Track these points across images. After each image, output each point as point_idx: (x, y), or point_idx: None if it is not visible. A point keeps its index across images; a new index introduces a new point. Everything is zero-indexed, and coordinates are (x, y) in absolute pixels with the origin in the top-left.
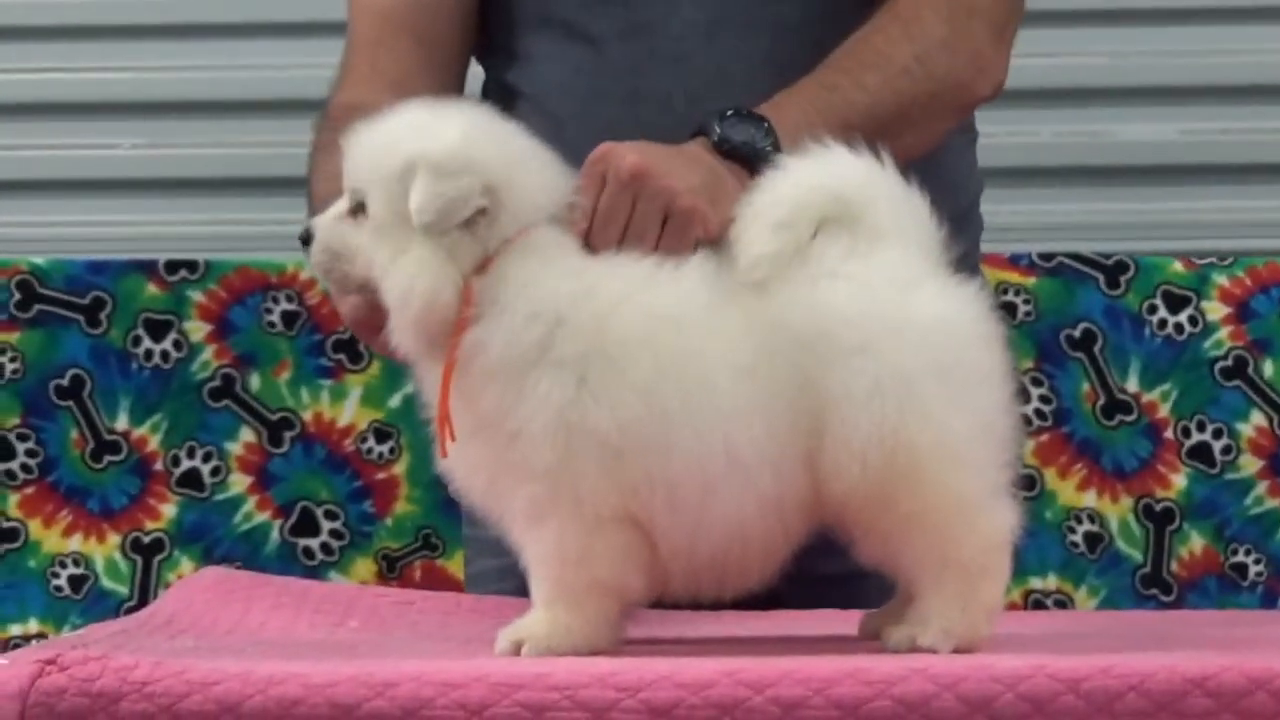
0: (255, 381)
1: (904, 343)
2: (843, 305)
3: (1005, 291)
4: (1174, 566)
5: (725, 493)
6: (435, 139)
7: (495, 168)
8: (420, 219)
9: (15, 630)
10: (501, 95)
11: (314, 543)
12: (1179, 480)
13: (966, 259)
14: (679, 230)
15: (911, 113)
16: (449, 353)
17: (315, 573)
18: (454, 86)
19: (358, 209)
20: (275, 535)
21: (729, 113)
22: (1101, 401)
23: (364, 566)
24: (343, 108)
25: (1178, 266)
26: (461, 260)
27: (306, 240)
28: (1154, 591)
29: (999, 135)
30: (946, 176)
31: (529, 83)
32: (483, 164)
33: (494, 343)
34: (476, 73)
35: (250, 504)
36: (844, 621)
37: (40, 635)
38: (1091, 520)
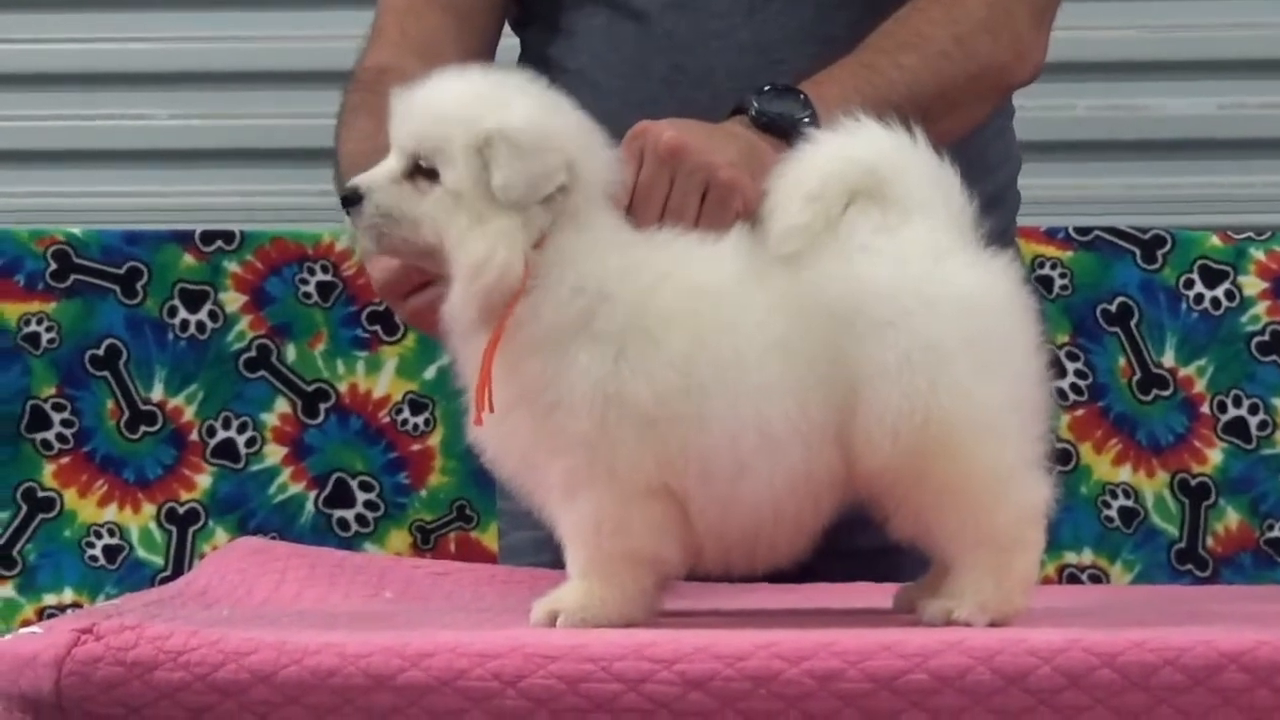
0: (291, 352)
1: (934, 316)
2: (873, 279)
3: (1041, 265)
4: (1209, 542)
5: (757, 467)
6: (512, 112)
7: (572, 143)
8: (507, 195)
9: (50, 600)
10: (540, 68)
11: (349, 514)
12: (1215, 455)
13: (1003, 235)
14: (719, 204)
15: (950, 94)
16: (499, 324)
17: (350, 544)
18: (484, 56)
19: (417, 173)
20: (310, 506)
21: (766, 88)
22: (1137, 376)
23: (398, 538)
24: (372, 70)
25: (1215, 241)
26: (531, 234)
27: (354, 199)
28: (1189, 567)
29: (1035, 109)
30: (984, 155)
31: (571, 57)
32: (562, 140)
33: (541, 315)
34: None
35: (285, 475)
36: (879, 595)
37: (75, 605)
38: (1127, 495)
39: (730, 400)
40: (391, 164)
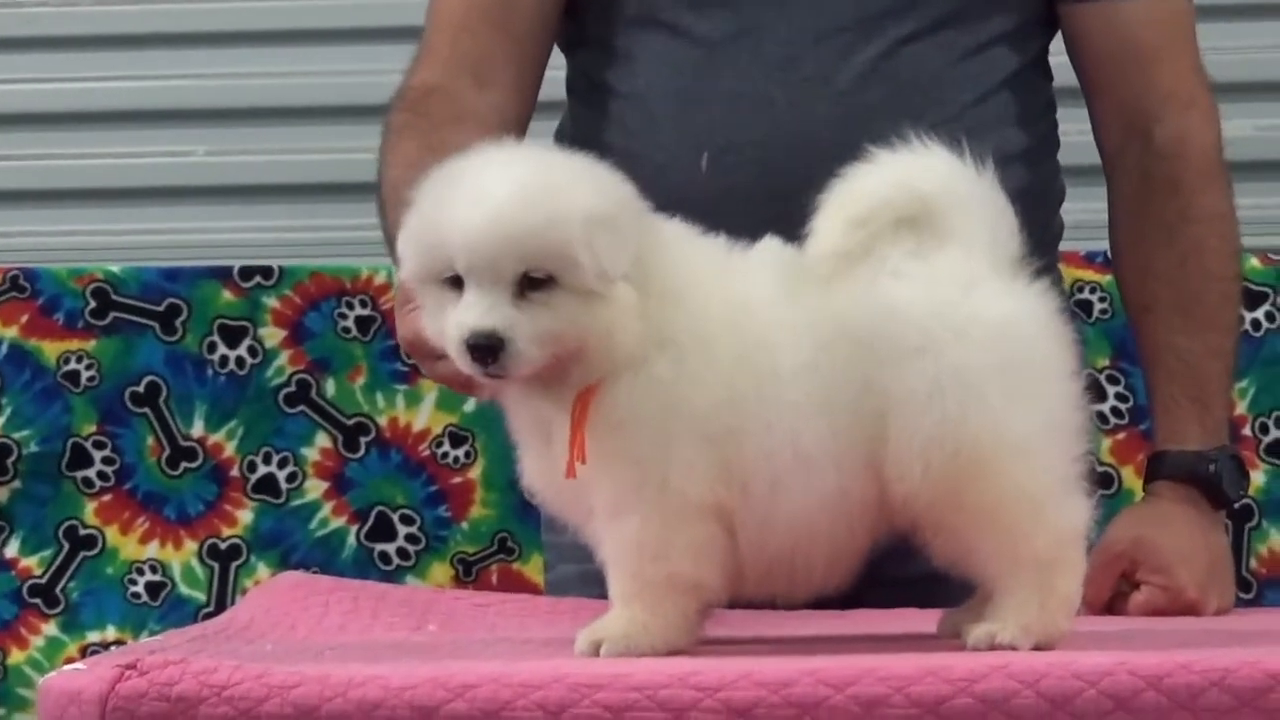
0: (330, 387)
1: (964, 342)
2: (902, 305)
3: (1081, 289)
4: (1253, 564)
5: (792, 485)
6: (590, 193)
7: (630, 199)
8: (616, 273)
9: (93, 637)
10: (591, 90)
11: (390, 547)
12: (1257, 477)
13: (1047, 269)
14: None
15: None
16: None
17: (392, 577)
18: (532, 77)
19: (527, 286)
20: (351, 540)
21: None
22: None
23: (440, 571)
24: (419, 89)
25: (1254, 263)
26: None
27: (494, 348)
28: None
29: (1072, 134)
30: (1052, 187)
31: (625, 81)
32: (626, 200)
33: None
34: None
35: (326, 509)
36: (923, 620)
37: (118, 642)
38: None
39: (767, 417)
40: (498, 293)
